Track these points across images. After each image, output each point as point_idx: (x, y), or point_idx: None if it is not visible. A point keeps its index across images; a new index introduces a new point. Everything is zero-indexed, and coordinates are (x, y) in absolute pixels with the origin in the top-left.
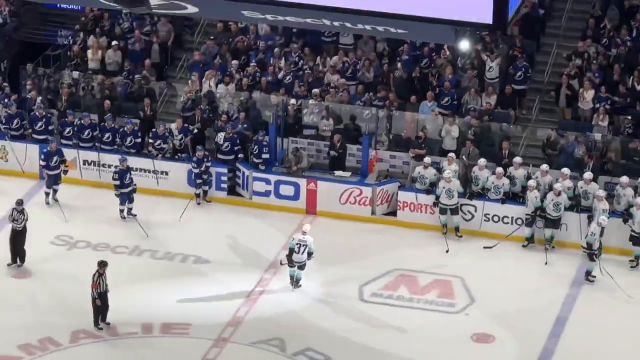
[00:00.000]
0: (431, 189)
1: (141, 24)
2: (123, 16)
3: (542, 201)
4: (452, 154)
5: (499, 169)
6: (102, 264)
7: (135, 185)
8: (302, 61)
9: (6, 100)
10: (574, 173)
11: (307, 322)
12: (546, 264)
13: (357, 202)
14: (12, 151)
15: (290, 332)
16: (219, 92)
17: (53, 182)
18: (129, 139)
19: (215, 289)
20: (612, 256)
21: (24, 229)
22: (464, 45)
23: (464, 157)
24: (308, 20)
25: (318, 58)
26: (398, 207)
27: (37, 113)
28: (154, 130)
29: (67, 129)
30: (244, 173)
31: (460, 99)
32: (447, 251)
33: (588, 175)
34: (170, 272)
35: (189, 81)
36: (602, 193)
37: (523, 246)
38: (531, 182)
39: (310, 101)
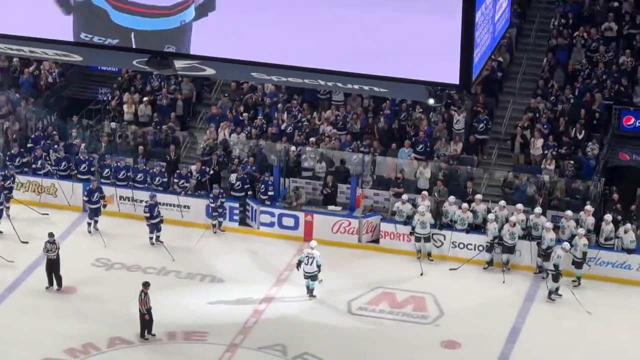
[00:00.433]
0: (408, 221)
1: (168, 83)
2: (153, 77)
3: (499, 231)
4: (425, 192)
5: (464, 205)
6: (146, 285)
7: (162, 216)
8: (301, 115)
9: (56, 146)
10: (526, 208)
11: (305, 331)
12: (504, 282)
13: (346, 232)
14: (61, 188)
15: (291, 339)
16: (232, 140)
17: (94, 214)
18: (157, 179)
19: (228, 303)
20: (565, 276)
21: (58, 258)
22: (434, 102)
23: (435, 194)
24: (306, 80)
25: (314, 112)
26: (381, 236)
27: (81, 157)
28: (178, 171)
29: (106, 170)
30: (252, 207)
31: (432, 147)
32: (421, 274)
33: (538, 210)
34: (191, 289)
35: (207, 131)
36: (549, 225)
37: (484, 268)
38: (491, 216)
39: (308, 148)
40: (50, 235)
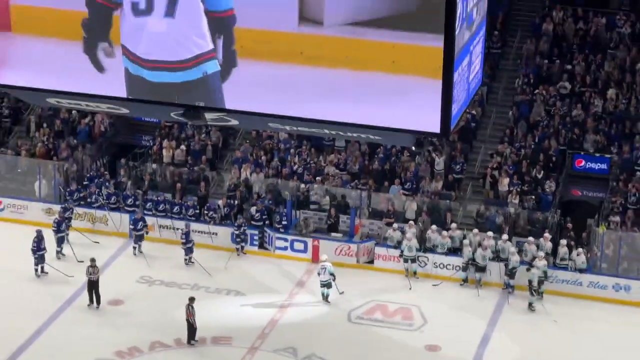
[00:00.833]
0: (397, 245)
1: (199, 131)
2: (187, 126)
3: (473, 254)
4: (412, 222)
5: (444, 232)
6: (192, 299)
7: (193, 242)
8: (309, 158)
9: (107, 183)
10: (495, 235)
11: (312, 336)
12: (478, 295)
13: (347, 254)
14: (111, 218)
15: (300, 342)
16: (252, 179)
17: (139, 239)
18: (190, 210)
19: (249, 312)
20: (522, 292)
21: (98, 280)
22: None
23: (420, 223)
24: (314, 129)
25: (320, 156)
26: (375, 258)
27: (128, 192)
28: (208, 204)
29: (148, 204)
30: (269, 234)
31: (417, 184)
32: (410, 288)
33: (505, 236)
34: (219, 301)
35: (232, 171)
36: (514, 249)
37: (460, 284)
38: (466, 241)
39: (315, 185)
40: (92, 260)
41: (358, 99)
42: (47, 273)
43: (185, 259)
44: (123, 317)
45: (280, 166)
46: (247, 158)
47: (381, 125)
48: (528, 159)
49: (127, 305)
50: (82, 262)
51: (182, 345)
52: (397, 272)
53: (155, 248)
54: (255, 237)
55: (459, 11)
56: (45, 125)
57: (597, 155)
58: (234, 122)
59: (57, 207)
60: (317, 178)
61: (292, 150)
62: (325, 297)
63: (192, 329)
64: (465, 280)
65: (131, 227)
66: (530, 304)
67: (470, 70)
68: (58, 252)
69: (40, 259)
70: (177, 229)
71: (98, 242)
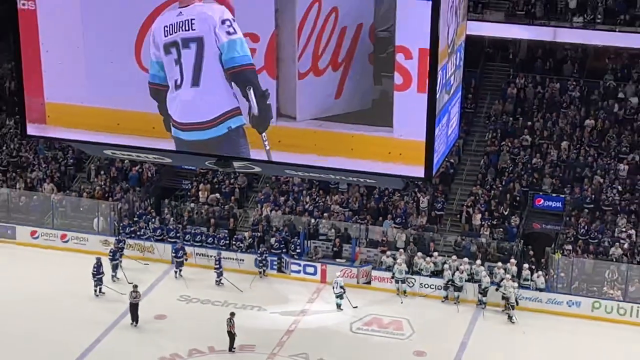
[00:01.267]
0: (390, 269)
1: (229, 176)
2: (218, 173)
3: (452, 276)
4: (401, 250)
5: (428, 258)
6: (233, 314)
7: (222, 267)
8: (318, 198)
9: (153, 219)
10: (470, 260)
11: (321, 343)
12: (458, 311)
13: (348, 276)
14: (156, 248)
15: (311, 349)
16: (272, 215)
17: (179, 265)
18: (222, 241)
19: (268, 324)
20: (493, 307)
21: (138, 303)
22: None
23: (408, 251)
24: (322, 175)
25: (327, 196)
26: (372, 279)
27: (170, 227)
28: (236, 236)
29: (187, 236)
30: (286, 260)
31: (406, 219)
32: (401, 302)
33: (478, 262)
34: (245, 315)
35: (255, 209)
36: (486, 272)
37: (442, 301)
38: (446, 266)
39: (323, 220)
40: (135, 286)
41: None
42: (104, 293)
43: (217, 281)
44: (166, 328)
45: (294, 205)
46: (267, 198)
47: (376, 172)
48: (496, 198)
49: (169, 319)
50: (132, 283)
51: (215, 352)
52: (390, 291)
53: (193, 272)
54: (275, 263)
55: (439, 79)
56: (102, 172)
57: (553, 195)
58: (256, 169)
59: (112, 239)
60: (325, 214)
61: (303, 192)
62: (339, 306)
63: (232, 338)
64: (446, 298)
65: (173, 255)
66: (509, 317)
67: (449, 126)
68: (113, 276)
69: (98, 282)
70: (211, 256)
71: (147, 264)
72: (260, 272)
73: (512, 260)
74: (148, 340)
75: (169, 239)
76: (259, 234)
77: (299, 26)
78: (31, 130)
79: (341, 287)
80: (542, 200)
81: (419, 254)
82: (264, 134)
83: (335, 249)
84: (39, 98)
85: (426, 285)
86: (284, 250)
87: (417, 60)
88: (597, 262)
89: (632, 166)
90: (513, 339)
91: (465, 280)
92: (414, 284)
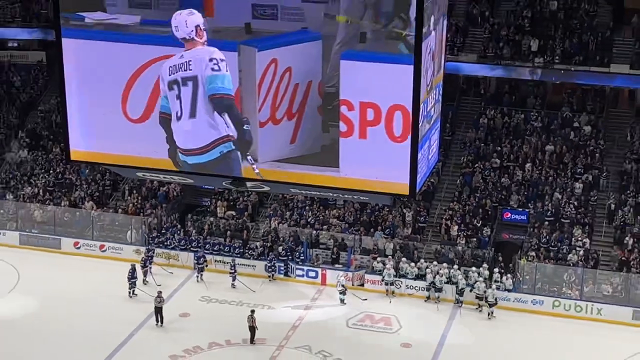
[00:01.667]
0: (380, 273)
1: (242, 194)
2: (233, 192)
3: (434, 279)
4: (390, 257)
5: (413, 264)
6: (253, 311)
7: (236, 272)
8: (319, 212)
9: (178, 231)
10: (449, 265)
11: (321, 337)
12: (438, 309)
13: (345, 279)
14: (181, 256)
15: (313, 341)
16: (279, 228)
17: (200, 270)
18: (236, 250)
19: (277, 320)
20: (468, 305)
21: (162, 307)
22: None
23: (396, 257)
24: (322, 193)
25: (326, 211)
26: (365, 281)
27: (192, 238)
28: (248, 245)
29: (207, 245)
30: (291, 266)
31: (394, 231)
32: (390, 302)
33: (455, 267)
34: (256, 313)
35: (265, 222)
36: (462, 276)
37: (425, 301)
38: (428, 270)
39: (323, 232)
40: (159, 292)
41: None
42: (137, 295)
43: (232, 284)
44: (189, 325)
45: (298, 218)
46: (275, 213)
47: (368, 190)
48: (471, 212)
49: (192, 316)
50: (160, 285)
51: (231, 345)
52: (380, 292)
53: (212, 276)
54: (282, 268)
55: (421, 111)
56: (134, 191)
57: (519, 209)
58: (266, 188)
59: (143, 249)
60: (324, 226)
61: (306, 207)
62: (342, 301)
63: (253, 332)
64: (428, 298)
65: (195, 262)
66: (489, 314)
67: (430, 151)
68: (144, 280)
69: (132, 285)
70: (227, 263)
71: (172, 272)
72: (269, 276)
73: (485, 265)
74: (174, 334)
75: (191, 248)
76: (268, 244)
77: (259, 83)
78: (74, 156)
79: (342, 285)
80: (510, 214)
81: (404, 259)
82: (255, 166)
83: (333, 256)
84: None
85: (411, 287)
86: (289, 257)
87: (359, 112)
88: (557, 267)
89: (586, 185)
90: (485, 332)
91: (445, 283)
92: (400, 286)
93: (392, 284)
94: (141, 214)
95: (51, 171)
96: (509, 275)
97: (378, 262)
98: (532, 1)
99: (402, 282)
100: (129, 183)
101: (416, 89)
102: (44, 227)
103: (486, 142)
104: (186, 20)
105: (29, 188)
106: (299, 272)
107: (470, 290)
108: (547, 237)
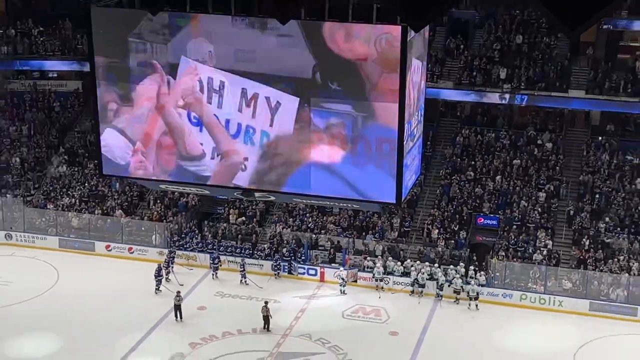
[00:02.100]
0: (371, 271)
1: (252, 203)
2: (244, 201)
3: (417, 276)
4: (380, 256)
5: (399, 263)
6: (267, 302)
7: (245, 271)
8: (317, 218)
9: (196, 236)
10: (430, 264)
11: (319, 326)
12: (419, 303)
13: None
14: (199, 257)
15: (313, 330)
16: (284, 232)
17: (215, 269)
18: (246, 251)
19: (282, 312)
20: (448, 299)
21: (181, 304)
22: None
23: (384, 257)
24: (320, 201)
25: (324, 217)
26: (358, 279)
27: (208, 241)
28: (257, 247)
29: (221, 248)
30: (294, 265)
31: (383, 234)
32: (379, 296)
33: (436, 265)
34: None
35: (272, 227)
36: (441, 272)
37: (409, 295)
38: (412, 268)
39: (321, 235)
40: (178, 292)
41: (342, 184)
42: (161, 291)
43: (242, 281)
44: (205, 317)
45: (300, 224)
46: (280, 219)
47: (359, 199)
48: (449, 218)
49: (208, 310)
50: (182, 285)
51: (242, 333)
52: (371, 288)
53: (225, 274)
54: (286, 267)
55: (405, 130)
56: (158, 201)
57: (491, 215)
58: (272, 197)
59: (165, 251)
60: (322, 231)
61: (307, 214)
62: (342, 292)
63: (268, 321)
64: (412, 292)
65: (211, 262)
66: (472, 305)
67: (413, 165)
68: (167, 278)
69: (158, 282)
70: (238, 262)
71: (192, 269)
72: (275, 274)
73: (461, 263)
74: (193, 325)
75: (207, 250)
76: (274, 246)
77: None
78: (106, 170)
79: (342, 279)
80: (483, 219)
81: (392, 259)
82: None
83: (330, 256)
84: None
85: (398, 283)
86: (292, 257)
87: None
88: (523, 265)
89: (548, 194)
90: (462, 321)
91: (427, 279)
92: (388, 282)
93: (381, 280)
94: (164, 220)
95: (86, 184)
96: (482, 272)
97: (369, 261)
98: (500, 36)
99: (390, 278)
100: (154, 194)
101: (401, 115)
102: (80, 233)
103: (462, 157)
104: None
105: (67, 199)
106: (300, 270)
107: (449, 286)
108: (515, 239)
